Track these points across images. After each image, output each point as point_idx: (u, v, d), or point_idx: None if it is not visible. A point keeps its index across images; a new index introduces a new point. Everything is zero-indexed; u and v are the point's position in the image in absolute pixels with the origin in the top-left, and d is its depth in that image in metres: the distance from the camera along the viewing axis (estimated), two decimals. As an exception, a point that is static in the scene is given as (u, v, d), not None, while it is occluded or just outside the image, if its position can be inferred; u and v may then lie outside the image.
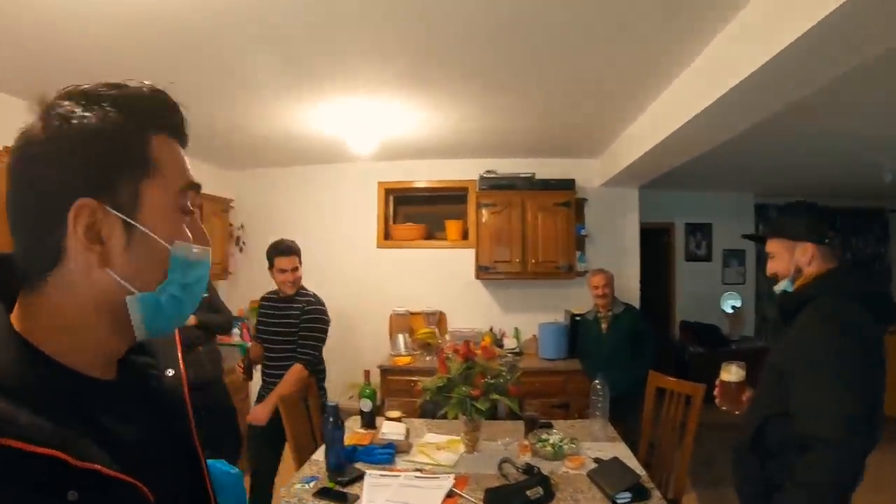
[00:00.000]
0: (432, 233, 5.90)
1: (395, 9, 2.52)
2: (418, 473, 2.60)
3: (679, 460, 3.17)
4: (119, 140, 0.70)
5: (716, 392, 2.19)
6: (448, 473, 2.59)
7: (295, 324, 3.51)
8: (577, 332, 4.80)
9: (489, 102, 3.90)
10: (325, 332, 3.63)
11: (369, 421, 3.25)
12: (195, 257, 0.79)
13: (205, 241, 0.82)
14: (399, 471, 2.65)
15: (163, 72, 3.26)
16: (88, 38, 2.78)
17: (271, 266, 3.57)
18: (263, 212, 6.13)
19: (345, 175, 5.92)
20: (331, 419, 2.60)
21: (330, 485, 2.47)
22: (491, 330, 5.42)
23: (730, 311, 7.30)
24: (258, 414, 3.32)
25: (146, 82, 0.77)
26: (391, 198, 6.03)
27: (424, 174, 5.81)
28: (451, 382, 2.78)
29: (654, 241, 7.32)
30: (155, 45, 2.90)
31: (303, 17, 2.60)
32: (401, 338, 5.19)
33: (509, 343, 5.31)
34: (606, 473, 2.51)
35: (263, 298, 3.79)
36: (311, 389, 3.46)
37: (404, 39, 2.87)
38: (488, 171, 5.38)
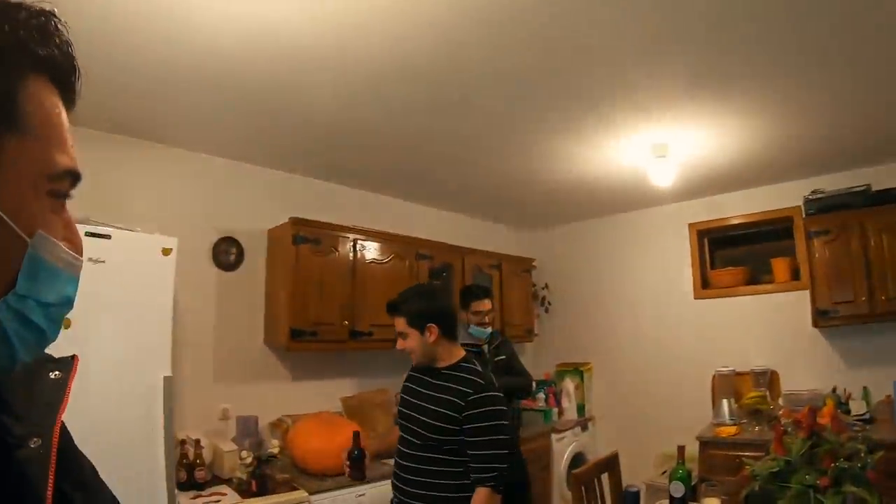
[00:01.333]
0: (757, 276, 5.00)
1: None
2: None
3: None
4: None
5: None
6: None
7: (438, 413, 2.28)
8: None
9: (809, 96, 3.12)
10: (508, 427, 2.31)
11: (680, 510, 2.65)
12: (64, 265, 0.55)
13: (77, 246, 0.57)
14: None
15: (450, 126, 3.36)
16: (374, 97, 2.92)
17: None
18: (566, 269, 5.99)
19: (649, 221, 5.48)
20: (628, 509, 2.10)
21: None
22: (834, 391, 4.23)
23: None
24: None
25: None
26: (705, 240, 5.32)
27: (738, 208, 5.01)
28: (789, 467, 2.10)
29: None
30: (440, 96, 2.95)
31: (578, 38, 2.41)
32: (725, 403, 4.39)
33: (857, 407, 4.06)
34: None
35: (411, 370, 2.55)
36: (613, 465, 2.98)
37: (687, 35, 2.44)
38: (814, 192, 4.40)
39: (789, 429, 2.23)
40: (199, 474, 3.09)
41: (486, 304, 3.75)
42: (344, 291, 3.76)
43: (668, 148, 3.68)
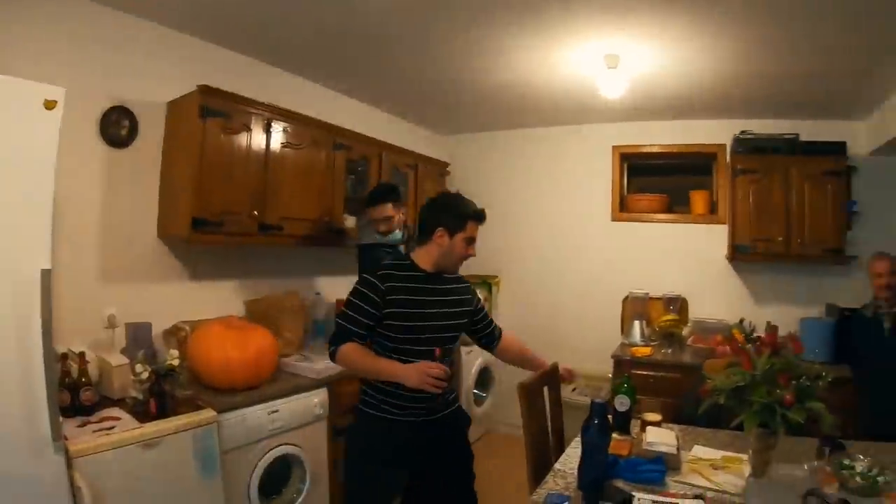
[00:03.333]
0: (673, 206, 5.18)
1: None
2: (701, 502, 1.92)
3: None
4: None
5: None
6: (736, 504, 1.92)
7: (469, 311, 2.53)
8: (846, 332, 3.87)
9: (755, 32, 3.08)
10: None
11: (623, 424, 2.58)
12: None
13: None
14: (673, 496, 1.98)
15: (378, 11, 2.98)
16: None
17: (461, 228, 2.31)
18: (482, 178, 5.78)
19: (573, 138, 5.43)
20: (596, 421, 1.94)
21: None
22: (741, 322, 4.46)
23: None
24: None
25: None
26: (625, 165, 5.37)
27: (664, 137, 5.07)
28: (753, 381, 2.04)
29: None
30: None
31: None
32: (637, 325, 4.54)
33: (761, 341, 4.33)
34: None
35: (391, 277, 2.30)
36: (555, 375, 2.91)
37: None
38: (744, 132, 4.56)
39: (746, 347, 2.22)
40: (86, 395, 2.55)
41: (385, 210, 3.43)
42: (254, 177, 3.28)
43: (619, 60, 3.50)
